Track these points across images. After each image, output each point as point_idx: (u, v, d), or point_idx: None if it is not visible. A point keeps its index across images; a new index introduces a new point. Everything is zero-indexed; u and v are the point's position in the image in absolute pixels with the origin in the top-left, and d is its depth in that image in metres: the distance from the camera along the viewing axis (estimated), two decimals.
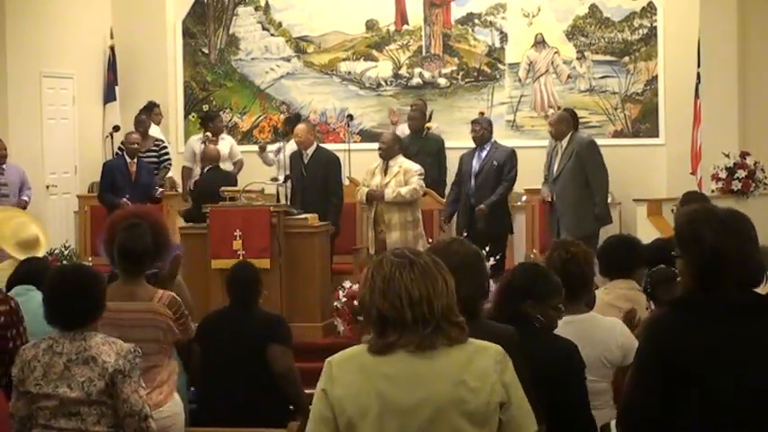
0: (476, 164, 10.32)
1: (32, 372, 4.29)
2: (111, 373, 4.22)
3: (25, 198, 11.33)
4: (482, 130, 10.41)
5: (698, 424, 3.08)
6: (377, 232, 9.93)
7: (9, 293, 5.33)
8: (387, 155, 9.98)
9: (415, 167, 9.99)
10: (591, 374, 4.31)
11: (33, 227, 7.42)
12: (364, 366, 2.97)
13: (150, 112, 12.67)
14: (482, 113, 12.51)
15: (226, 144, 12.08)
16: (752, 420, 3.06)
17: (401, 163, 9.99)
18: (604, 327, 4.65)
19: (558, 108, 13.05)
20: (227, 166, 11.82)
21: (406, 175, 9.90)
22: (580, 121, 11.53)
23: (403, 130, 11.89)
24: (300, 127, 10.53)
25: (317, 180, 10.15)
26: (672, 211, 7.33)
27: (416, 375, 2.93)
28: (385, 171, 9.97)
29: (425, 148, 11.11)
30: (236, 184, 10.53)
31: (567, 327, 4.38)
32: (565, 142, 9.87)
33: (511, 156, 10.37)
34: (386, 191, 9.83)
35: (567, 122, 10.06)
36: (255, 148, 12.42)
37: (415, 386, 2.92)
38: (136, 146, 11.27)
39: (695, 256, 3.15)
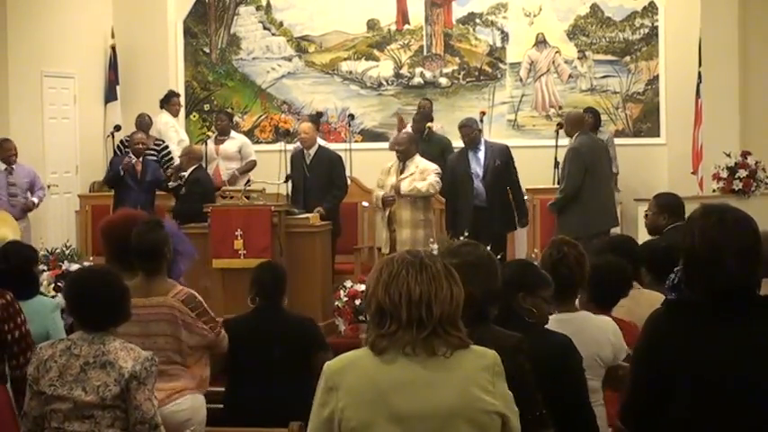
0: (476, 166, 10.26)
1: (48, 372, 4.27)
2: (127, 379, 4.20)
3: (34, 199, 11.39)
4: (473, 132, 10.37)
5: (688, 422, 3.12)
6: (390, 231, 9.96)
7: None
8: (404, 156, 10.02)
9: (432, 166, 10.01)
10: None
11: (3, 228, 7.41)
12: (367, 373, 2.93)
13: (168, 102, 12.72)
14: (483, 113, 12.52)
15: (234, 144, 12.08)
16: (740, 420, 3.09)
17: (418, 163, 10.01)
18: (597, 325, 4.64)
19: (560, 108, 13.10)
20: (233, 164, 11.89)
21: (422, 174, 9.92)
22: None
23: (409, 129, 11.88)
24: (307, 125, 10.54)
25: (321, 179, 10.14)
26: (645, 216, 7.32)
27: (422, 382, 2.90)
28: (401, 171, 9.99)
29: (429, 151, 11.06)
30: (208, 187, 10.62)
31: (559, 325, 4.37)
32: (571, 142, 10.06)
33: (509, 153, 10.38)
34: (402, 185, 9.84)
35: (572, 122, 10.13)
36: (257, 147, 12.51)
37: (420, 393, 2.89)
38: (141, 145, 11.42)
39: (683, 251, 3.23)
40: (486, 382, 2.92)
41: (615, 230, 10.14)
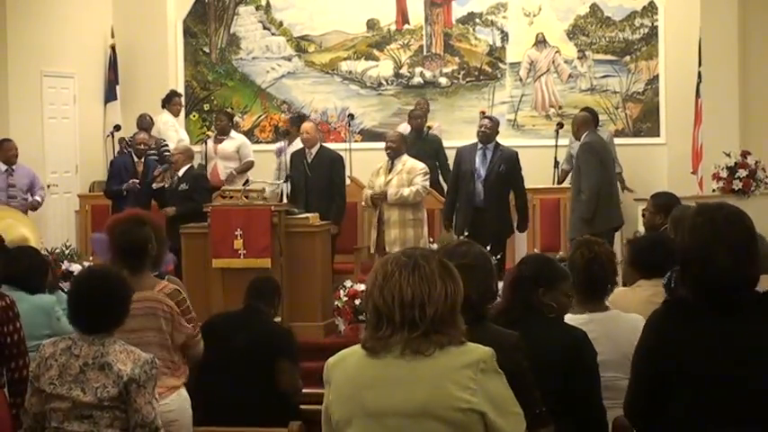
0: (481, 166, 10.16)
1: (48, 370, 4.28)
2: (126, 382, 4.20)
3: (38, 198, 11.41)
4: (493, 127, 10.35)
5: (686, 418, 3.15)
6: (380, 231, 9.93)
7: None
8: (395, 154, 9.99)
9: (420, 166, 9.97)
10: (615, 371, 4.31)
11: (22, 228, 7.41)
12: (351, 369, 2.97)
13: (170, 102, 12.72)
14: (483, 112, 12.50)
15: (233, 143, 12.06)
16: (739, 418, 3.11)
17: (405, 161, 9.99)
18: (628, 323, 4.64)
19: (560, 108, 13.11)
20: (231, 164, 11.86)
21: (409, 174, 9.88)
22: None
23: (405, 128, 11.86)
24: (309, 125, 10.58)
25: (322, 179, 10.15)
26: (642, 215, 7.36)
27: (396, 379, 2.90)
28: (389, 170, 9.97)
29: (423, 150, 11.08)
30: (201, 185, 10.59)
31: (590, 324, 4.38)
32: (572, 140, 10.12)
33: (517, 162, 10.28)
34: (389, 191, 9.81)
35: (580, 123, 10.18)
36: (257, 147, 12.51)
37: (391, 390, 2.90)
38: (143, 146, 11.40)
39: (676, 250, 3.28)
40: (467, 379, 2.88)
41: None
